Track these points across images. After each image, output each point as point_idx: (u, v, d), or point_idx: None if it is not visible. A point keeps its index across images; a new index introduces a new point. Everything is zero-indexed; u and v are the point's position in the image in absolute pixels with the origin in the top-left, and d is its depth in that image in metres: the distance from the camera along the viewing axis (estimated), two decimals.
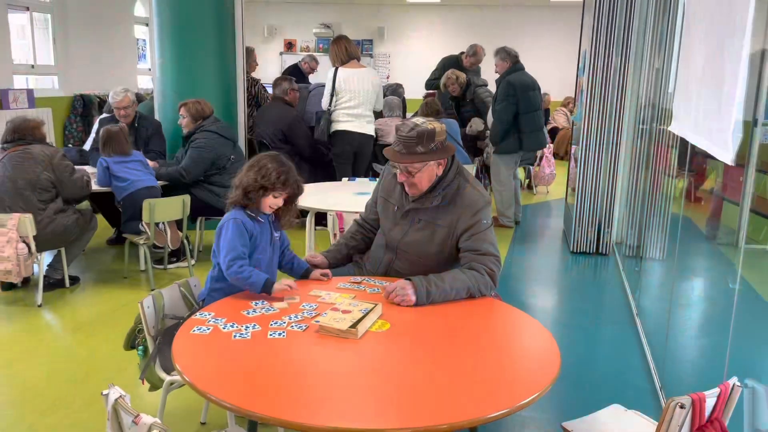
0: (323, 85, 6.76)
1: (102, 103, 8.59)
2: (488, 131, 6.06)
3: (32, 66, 8.23)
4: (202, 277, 4.23)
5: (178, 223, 4.16)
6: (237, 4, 5.39)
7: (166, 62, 5.27)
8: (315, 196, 3.82)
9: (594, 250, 5.11)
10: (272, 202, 2.21)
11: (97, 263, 4.56)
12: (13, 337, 3.29)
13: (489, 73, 7.31)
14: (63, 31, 8.42)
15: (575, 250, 5.12)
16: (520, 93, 5.38)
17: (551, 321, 3.79)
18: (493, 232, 2.30)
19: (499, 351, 1.85)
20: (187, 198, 4.10)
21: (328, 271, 2.35)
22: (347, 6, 12.36)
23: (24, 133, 3.65)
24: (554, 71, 10.76)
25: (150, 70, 10.42)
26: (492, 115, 5.63)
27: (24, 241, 3.51)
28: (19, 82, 8.00)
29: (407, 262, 2.39)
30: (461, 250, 2.29)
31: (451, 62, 6.97)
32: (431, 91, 7.38)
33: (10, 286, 3.88)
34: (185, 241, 4.24)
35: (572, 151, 6.17)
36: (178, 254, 4.46)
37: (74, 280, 4.05)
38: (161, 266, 4.37)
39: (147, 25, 10.28)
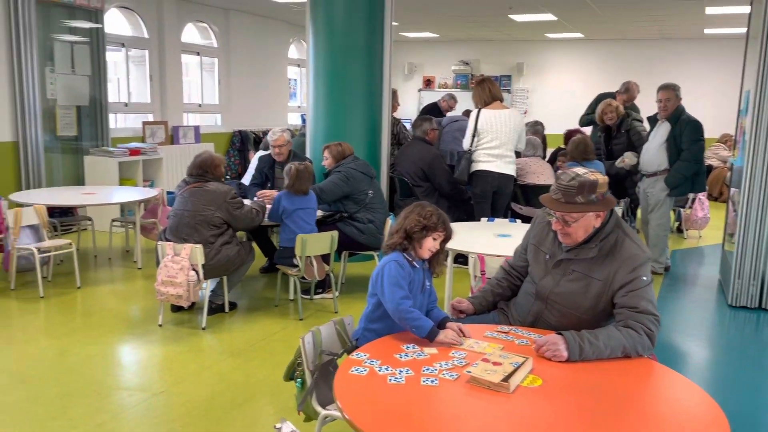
0: (456, 120, 6.89)
1: (257, 139, 9.34)
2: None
3: (199, 105, 9.15)
4: (344, 308, 4.45)
5: (325, 257, 4.41)
6: (386, 49, 5.65)
7: (319, 103, 5.63)
8: (455, 236, 3.86)
9: (756, 305, 4.67)
10: (431, 245, 2.33)
11: (251, 290, 4.93)
12: (181, 357, 3.63)
13: (643, 110, 7.03)
14: (226, 72, 9.29)
15: (734, 304, 4.72)
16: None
17: (709, 383, 3.52)
18: (652, 290, 2.22)
19: (660, 416, 1.77)
20: (335, 234, 4.34)
21: (464, 327, 2.28)
22: (486, 43, 12.47)
23: (205, 170, 4.08)
24: (708, 107, 10.07)
25: (299, 107, 11.17)
26: (666, 154, 5.30)
27: (194, 269, 3.89)
28: (188, 119, 8.90)
29: (558, 313, 2.36)
30: (617, 306, 2.22)
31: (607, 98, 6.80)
32: (575, 128, 7.22)
33: (177, 309, 4.30)
34: (331, 274, 4.47)
35: (730, 194, 5.72)
36: (323, 286, 4.71)
37: (232, 305, 4.41)
38: (308, 296, 4.63)
39: (299, 66, 11.06)
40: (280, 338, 3.95)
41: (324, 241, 4.29)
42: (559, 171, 2.37)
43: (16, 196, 5.09)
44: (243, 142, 9.30)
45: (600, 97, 6.96)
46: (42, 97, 6.28)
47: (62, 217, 5.95)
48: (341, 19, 5.46)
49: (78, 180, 6.74)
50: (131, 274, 5.27)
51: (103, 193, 5.56)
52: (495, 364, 1.95)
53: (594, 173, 2.26)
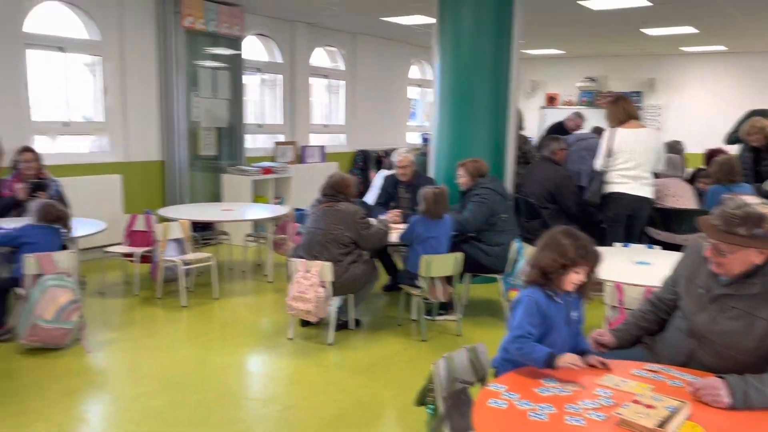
0: (583, 139, 6.60)
1: (379, 158, 9.52)
2: None
3: (325, 125, 9.49)
4: (467, 331, 4.37)
5: (449, 278, 4.37)
6: (512, 67, 5.56)
7: (443, 122, 5.63)
8: None
9: None
10: (574, 278, 2.18)
11: (374, 308, 4.98)
12: (309, 371, 3.73)
13: None
14: (352, 93, 9.58)
15: None
16: None
17: None
18: None
19: None
20: (460, 255, 4.29)
21: (606, 361, 2.17)
22: (615, 58, 11.94)
23: (338, 191, 4.21)
24: None
25: (419, 127, 11.28)
26: None
27: (323, 286, 4.00)
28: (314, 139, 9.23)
29: (714, 354, 2.16)
30: None
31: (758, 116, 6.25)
32: (717, 148, 6.70)
33: (306, 323, 4.43)
34: (454, 296, 4.43)
35: None
36: (446, 307, 4.66)
37: (357, 322, 4.48)
38: (430, 317, 4.60)
39: (420, 86, 11.19)
40: (403, 358, 3.95)
41: (448, 263, 4.25)
42: (725, 195, 2.17)
43: (162, 211, 5.52)
44: (365, 161, 9.52)
45: (750, 114, 6.41)
46: (187, 119, 6.80)
47: (202, 232, 6.37)
48: (468, 38, 5.44)
49: (215, 197, 7.21)
50: (262, 287, 5.52)
51: (239, 210, 5.90)
52: (648, 407, 1.81)
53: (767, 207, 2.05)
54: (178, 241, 5.04)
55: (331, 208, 4.17)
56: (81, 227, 4.53)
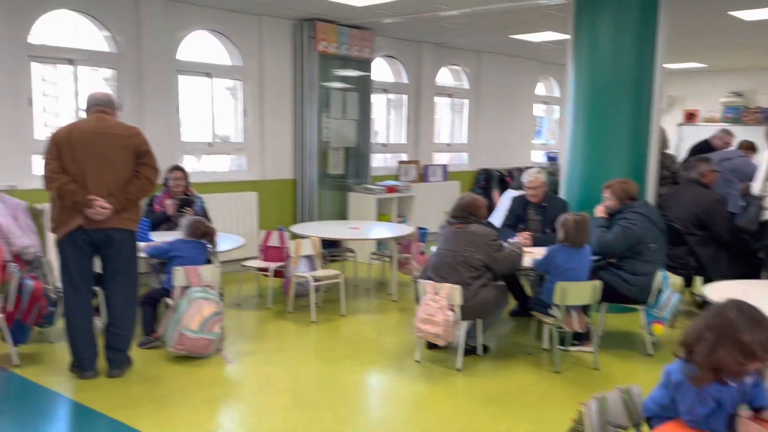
0: (728, 159, 6.04)
1: (501, 177, 9.33)
2: None
3: (448, 144, 9.46)
4: (604, 364, 4.11)
5: (585, 307, 4.13)
6: (655, 84, 5.23)
7: (577, 141, 5.39)
8: (742, 296, 3.32)
9: None
10: (752, 368, 1.91)
11: (501, 334, 4.82)
12: (438, 397, 3.66)
13: None
14: (476, 112, 9.49)
15: None
16: None
17: None
18: None
19: None
20: (598, 284, 4.04)
21: None
22: (764, 71, 10.94)
23: (469, 212, 4.14)
24: None
25: (544, 145, 10.95)
26: None
27: (452, 309, 3.93)
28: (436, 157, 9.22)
29: None
30: None
31: None
32: None
33: (432, 346, 4.37)
34: (590, 326, 4.18)
35: None
36: (579, 337, 4.41)
37: (485, 348, 4.35)
38: (564, 347, 4.38)
39: (546, 103, 10.88)
40: (536, 390, 3.77)
41: (586, 291, 4.02)
42: None
43: (293, 228, 5.71)
44: (487, 180, 9.35)
45: None
46: (318, 139, 7.03)
47: (329, 248, 6.53)
48: (606, 54, 5.18)
49: (342, 214, 7.38)
50: (387, 306, 5.54)
51: (365, 228, 5.99)
52: None
53: None
54: (309, 257, 5.19)
55: (462, 230, 4.09)
56: (222, 242, 4.78)
